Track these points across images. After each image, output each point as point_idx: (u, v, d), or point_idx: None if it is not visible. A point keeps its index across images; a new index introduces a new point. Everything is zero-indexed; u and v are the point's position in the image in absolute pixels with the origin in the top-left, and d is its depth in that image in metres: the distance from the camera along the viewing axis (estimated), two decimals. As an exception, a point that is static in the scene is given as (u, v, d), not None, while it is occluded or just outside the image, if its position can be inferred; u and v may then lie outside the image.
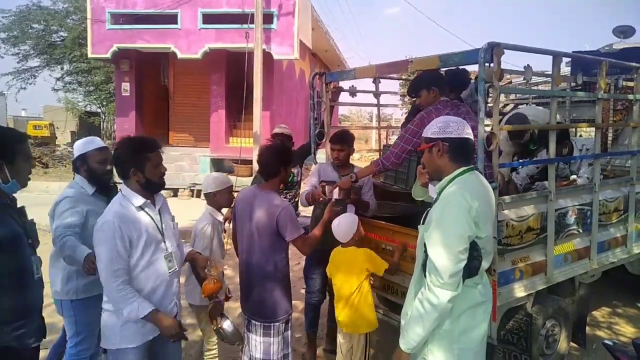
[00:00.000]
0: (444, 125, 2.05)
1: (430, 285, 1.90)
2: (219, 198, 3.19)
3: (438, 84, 3.23)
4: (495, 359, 3.19)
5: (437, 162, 2.06)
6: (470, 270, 1.94)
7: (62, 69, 19.54)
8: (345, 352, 3.14)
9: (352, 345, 3.09)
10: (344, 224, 3.05)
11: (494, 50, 2.57)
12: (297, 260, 5.84)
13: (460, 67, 3.43)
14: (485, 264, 2.03)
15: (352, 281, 3.02)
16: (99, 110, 22.80)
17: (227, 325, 2.70)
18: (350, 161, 3.70)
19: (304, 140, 4.65)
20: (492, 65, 2.60)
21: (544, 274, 3.12)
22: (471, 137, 2.08)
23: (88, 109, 23.70)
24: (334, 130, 3.92)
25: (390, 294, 3.51)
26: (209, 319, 2.78)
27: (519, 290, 2.95)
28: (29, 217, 2.26)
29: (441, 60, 2.93)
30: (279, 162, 2.76)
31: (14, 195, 2.16)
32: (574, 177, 3.80)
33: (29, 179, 2.15)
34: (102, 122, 22.52)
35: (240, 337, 2.77)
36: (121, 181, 2.32)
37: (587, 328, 3.82)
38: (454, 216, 1.90)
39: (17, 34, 17.43)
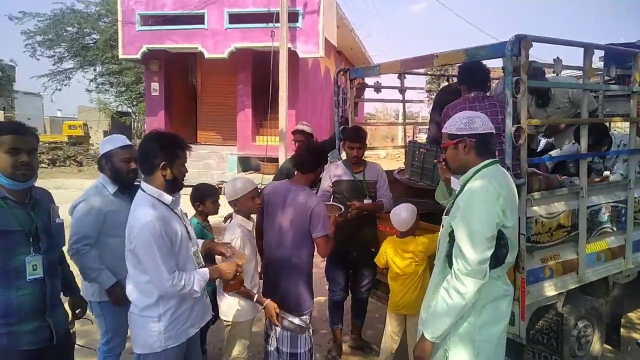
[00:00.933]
0: (469, 122, 2.06)
1: (458, 273, 1.90)
2: (242, 205, 2.88)
3: (463, 80, 3.33)
4: (525, 359, 3.12)
5: (464, 157, 2.07)
6: (497, 259, 1.94)
7: (94, 70, 20.18)
8: (395, 332, 3.24)
9: (410, 327, 3.15)
10: (404, 214, 3.13)
11: (521, 42, 2.51)
12: (322, 258, 5.86)
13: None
14: (509, 258, 2.01)
15: (409, 268, 3.11)
16: (129, 110, 23.42)
17: (287, 323, 2.72)
18: (377, 159, 3.70)
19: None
20: (519, 58, 2.54)
21: (576, 273, 3.03)
22: (493, 130, 2.10)
23: (119, 109, 24.38)
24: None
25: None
26: (270, 319, 2.74)
27: (549, 289, 2.88)
28: (58, 219, 2.18)
29: (467, 54, 2.88)
30: (319, 160, 2.85)
31: (38, 192, 2.10)
32: (607, 173, 3.67)
33: (25, 172, 1.95)
34: (132, 122, 23.11)
35: (304, 326, 2.77)
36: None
37: (622, 330, 3.71)
38: (482, 203, 1.92)
39: (52, 37, 18.08)
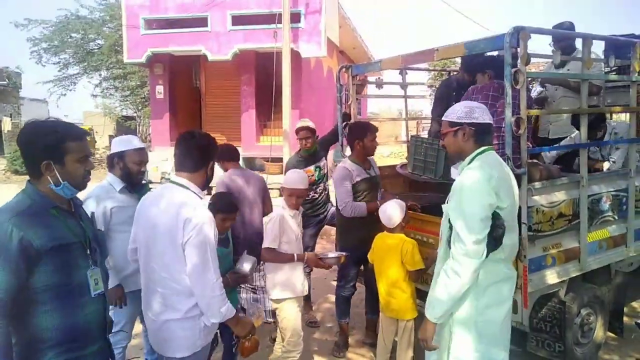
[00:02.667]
0: (469, 111, 2.14)
1: (455, 254, 1.98)
2: (294, 194, 3.12)
3: (492, 66, 3.38)
4: (528, 346, 3.17)
5: (462, 145, 2.14)
6: (495, 241, 2.00)
7: (99, 75, 20.32)
8: (387, 335, 3.22)
9: (397, 329, 3.16)
10: (390, 210, 3.12)
11: (519, 34, 2.56)
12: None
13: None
14: (507, 241, 2.06)
15: (392, 269, 3.09)
16: (134, 114, 23.57)
17: (329, 261, 3.21)
18: (381, 158, 3.76)
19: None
20: (518, 49, 2.59)
21: (578, 261, 3.07)
22: (492, 121, 2.18)
23: (124, 113, 24.54)
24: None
25: (421, 283, 3.52)
26: (316, 266, 3.18)
27: (551, 277, 2.92)
28: (99, 227, 2.07)
29: (467, 48, 2.93)
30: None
31: (78, 199, 1.92)
32: (606, 164, 3.71)
33: (88, 180, 1.84)
34: (137, 126, 23.26)
35: (338, 256, 3.24)
36: (169, 175, 2.28)
37: (626, 318, 3.74)
38: (474, 185, 1.99)
39: (57, 44, 18.22)
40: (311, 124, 4.16)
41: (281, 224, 3.03)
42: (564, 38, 3.65)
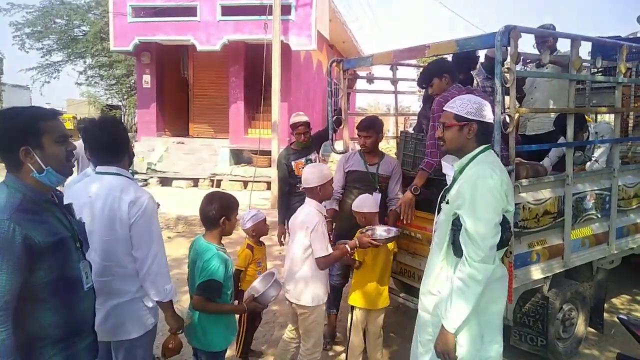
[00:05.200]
0: (479, 107, 2.09)
1: (471, 261, 1.95)
2: (323, 192, 2.87)
3: (448, 70, 3.27)
4: (511, 340, 3.23)
5: (465, 141, 2.10)
6: (501, 242, 2.00)
7: (84, 62, 19.97)
8: (360, 330, 3.21)
9: (372, 321, 3.17)
10: (371, 198, 3.17)
11: (510, 33, 2.58)
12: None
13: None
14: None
15: (380, 258, 3.12)
16: (119, 103, 23.23)
17: (379, 233, 2.94)
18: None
19: (321, 131, 4.66)
20: (509, 48, 2.62)
21: (561, 258, 3.14)
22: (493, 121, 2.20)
23: (109, 102, 24.18)
24: (351, 117, 3.96)
25: (407, 277, 3.56)
26: (371, 244, 2.86)
27: (536, 273, 2.98)
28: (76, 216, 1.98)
29: (458, 45, 2.95)
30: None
31: (59, 189, 1.82)
32: (588, 164, 3.78)
33: (73, 166, 1.77)
34: (122, 115, 22.93)
35: (395, 232, 2.99)
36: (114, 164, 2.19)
37: (606, 314, 3.82)
38: (488, 191, 1.96)
39: (40, 29, 17.85)
40: (307, 118, 4.16)
41: (324, 228, 2.82)
42: (548, 39, 3.68)
